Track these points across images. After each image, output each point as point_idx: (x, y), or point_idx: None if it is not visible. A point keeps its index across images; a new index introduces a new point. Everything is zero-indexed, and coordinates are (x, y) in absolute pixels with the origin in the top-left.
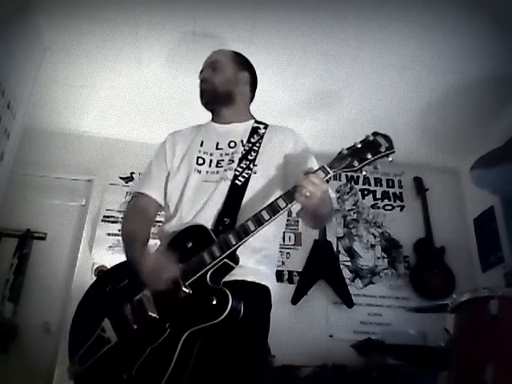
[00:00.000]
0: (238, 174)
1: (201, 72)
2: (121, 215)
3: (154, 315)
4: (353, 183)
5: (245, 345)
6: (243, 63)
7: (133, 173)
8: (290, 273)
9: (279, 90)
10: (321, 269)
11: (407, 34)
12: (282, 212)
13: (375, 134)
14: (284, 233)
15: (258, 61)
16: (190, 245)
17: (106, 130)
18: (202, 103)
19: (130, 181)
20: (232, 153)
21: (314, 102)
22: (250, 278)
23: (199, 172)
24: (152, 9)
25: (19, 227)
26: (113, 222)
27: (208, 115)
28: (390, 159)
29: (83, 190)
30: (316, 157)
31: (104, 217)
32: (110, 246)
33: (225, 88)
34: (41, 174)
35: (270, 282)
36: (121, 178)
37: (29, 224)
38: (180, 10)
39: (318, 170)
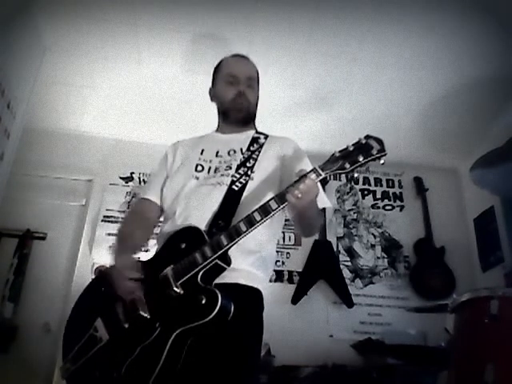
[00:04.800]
0: (235, 179)
1: (231, 76)
2: (121, 215)
3: (145, 314)
4: (353, 183)
5: (235, 346)
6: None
7: (133, 173)
8: (290, 273)
9: (279, 90)
10: (321, 269)
11: (407, 34)
12: (273, 213)
13: (368, 137)
14: (284, 233)
15: (258, 61)
16: (184, 246)
17: (105, 130)
18: (233, 115)
19: (130, 181)
20: (230, 160)
21: (313, 102)
22: (242, 281)
23: (197, 178)
24: (152, 9)
25: (19, 227)
26: (113, 222)
27: (207, 115)
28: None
29: (83, 190)
30: (316, 157)
31: (104, 217)
32: (110, 246)
33: (255, 108)
34: (41, 174)
35: (261, 285)
36: (121, 177)
37: (29, 224)
38: (180, 10)
39: (309, 171)
